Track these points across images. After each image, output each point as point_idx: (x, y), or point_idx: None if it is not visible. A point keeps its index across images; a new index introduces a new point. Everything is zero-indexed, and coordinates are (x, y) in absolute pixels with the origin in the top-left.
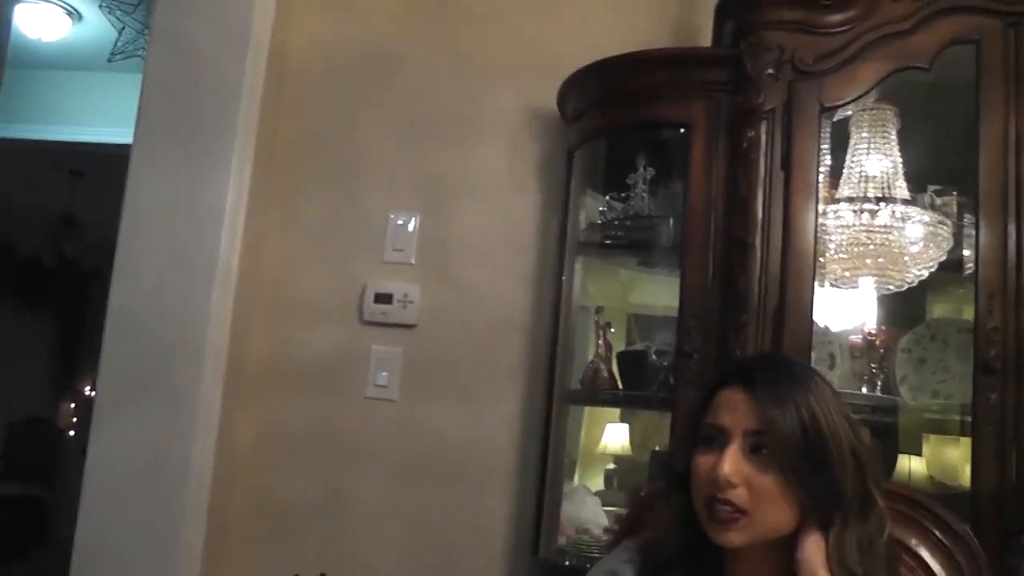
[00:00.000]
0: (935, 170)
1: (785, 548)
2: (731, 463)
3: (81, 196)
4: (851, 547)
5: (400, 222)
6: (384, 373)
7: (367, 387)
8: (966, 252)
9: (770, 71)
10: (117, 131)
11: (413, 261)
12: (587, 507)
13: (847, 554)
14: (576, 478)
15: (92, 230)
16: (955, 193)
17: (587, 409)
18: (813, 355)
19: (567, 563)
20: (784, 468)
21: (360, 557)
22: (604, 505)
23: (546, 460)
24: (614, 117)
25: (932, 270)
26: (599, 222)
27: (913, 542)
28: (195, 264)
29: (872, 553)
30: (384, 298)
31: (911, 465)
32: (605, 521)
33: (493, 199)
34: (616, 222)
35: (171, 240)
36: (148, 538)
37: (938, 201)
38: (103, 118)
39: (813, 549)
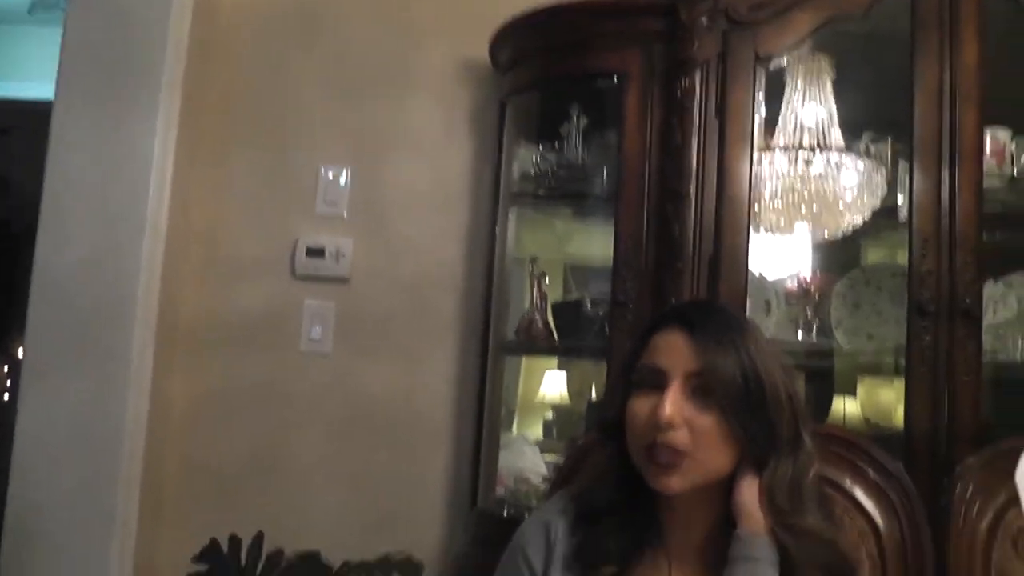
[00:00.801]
0: (870, 118)
1: (718, 494)
2: (672, 404)
3: (7, 155)
4: (782, 486)
5: (331, 175)
6: (318, 327)
7: (301, 341)
8: (900, 198)
9: (704, 20)
10: (42, 86)
11: (345, 215)
12: (526, 457)
13: (777, 492)
14: (515, 428)
15: (20, 190)
16: (890, 140)
17: (525, 359)
18: (749, 302)
19: (505, 514)
20: (725, 410)
21: (299, 515)
22: (544, 453)
23: (482, 412)
24: (547, 67)
25: (866, 217)
26: (532, 173)
27: (847, 482)
28: (123, 222)
29: (800, 492)
30: (316, 252)
31: (846, 407)
32: (544, 470)
33: (425, 151)
34: (550, 173)
35: (97, 198)
36: (82, 504)
37: (873, 148)
38: (27, 73)
39: (750, 491)
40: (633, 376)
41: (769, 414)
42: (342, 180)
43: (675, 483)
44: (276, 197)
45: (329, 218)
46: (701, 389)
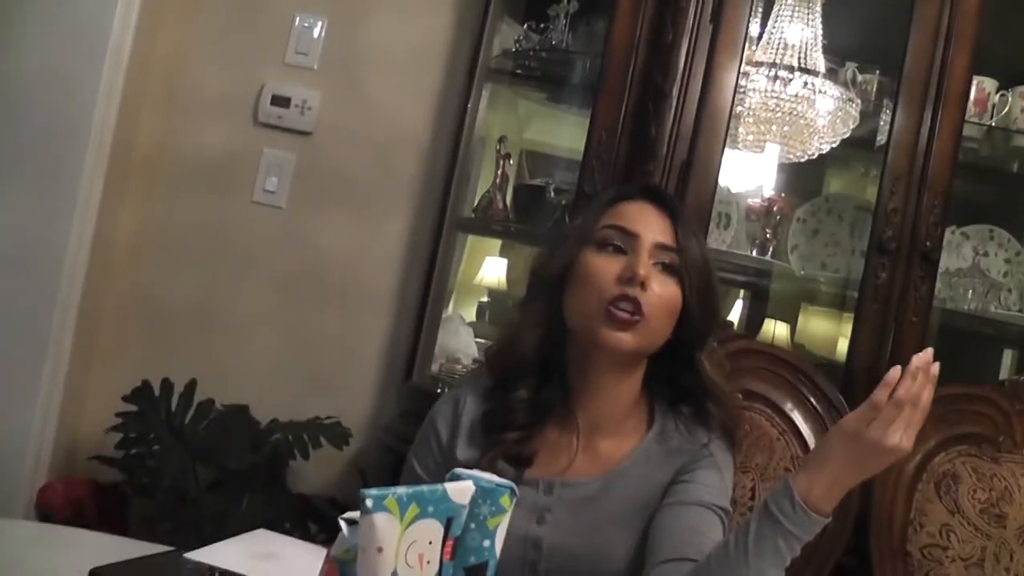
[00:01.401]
0: (859, 47)
1: (638, 368)
2: (646, 266)
3: None
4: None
5: (306, 24)
6: (274, 179)
7: (255, 191)
8: (876, 133)
9: None
10: None
11: (316, 67)
12: (460, 336)
13: (718, 361)
14: (451, 307)
15: None
16: (877, 72)
17: (469, 240)
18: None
19: (438, 390)
20: (689, 286)
21: (233, 365)
22: (475, 337)
23: (429, 286)
24: None
25: (834, 145)
26: (513, 50)
27: (788, 406)
28: (85, 39)
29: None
30: (281, 101)
31: (775, 330)
32: (475, 352)
33: (406, 12)
34: (531, 52)
35: (60, 10)
36: (15, 326)
37: (859, 78)
38: None
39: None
40: (595, 234)
41: (714, 302)
42: (316, 31)
43: (628, 340)
44: (246, 39)
45: (299, 68)
46: (666, 264)
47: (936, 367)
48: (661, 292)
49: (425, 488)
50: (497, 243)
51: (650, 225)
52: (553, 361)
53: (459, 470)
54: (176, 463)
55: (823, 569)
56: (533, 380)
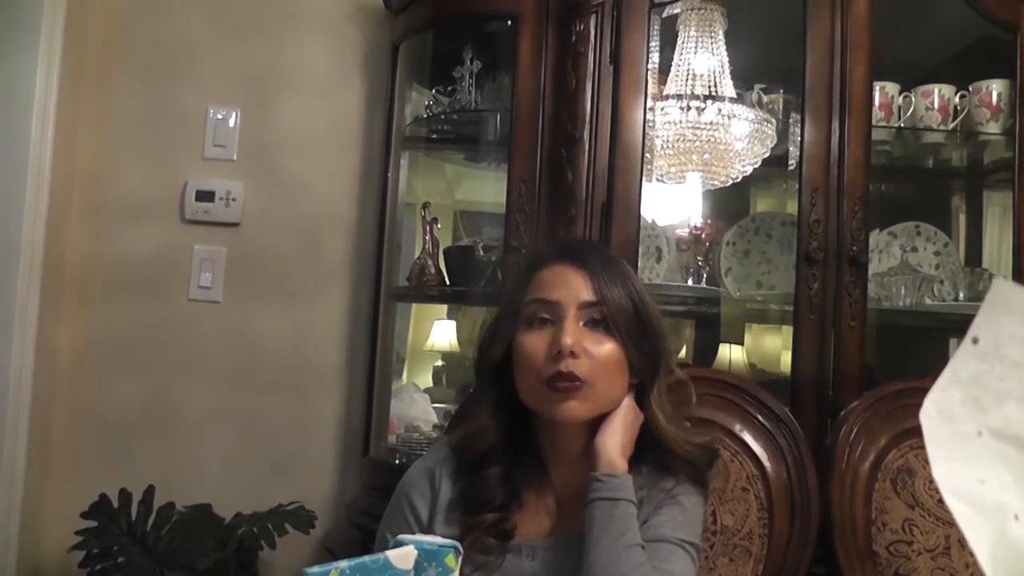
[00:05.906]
0: (762, 69)
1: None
2: (572, 334)
3: None
4: (667, 399)
5: (220, 116)
6: (208, 274)
7: (190, 288)
8: (791, 148)
9: None
10: None
11: (235, 157)
12: (416, 404)
13: (665, 405)
14: (404, 376)
15: None
16: (781, 91)
17: (415, 306)
18: (640, 249)
19: (397, 461)
20: (621, 338)
21: (189, 465)
22: (433, 402)
23: (374, 359)
24: (440, 8)
25: (756, 166)
26: (425, 116)
27: (737, 427)
28: (5, 164)
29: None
30: (206, 196)
31: (731, 354)
32: (434, 418)
33: (316, 93)
34: (442, 116)
35: None
36: None
37: (765, 99)
38: None
39: (608, 431)
40: (522, 313)
41: (654, 342)
42: (231, 121)
43: (577, 409)
44: (164, 138)
45: (218, 160)
46: (596, 320)
47: None
48: (597, 351)
49: (367, 558)
50: (443, 307)
51: (569, 287)
52: (520, 437)
53: (401, 536)
54: (143, 572)
55: None
56: (504, 457)
